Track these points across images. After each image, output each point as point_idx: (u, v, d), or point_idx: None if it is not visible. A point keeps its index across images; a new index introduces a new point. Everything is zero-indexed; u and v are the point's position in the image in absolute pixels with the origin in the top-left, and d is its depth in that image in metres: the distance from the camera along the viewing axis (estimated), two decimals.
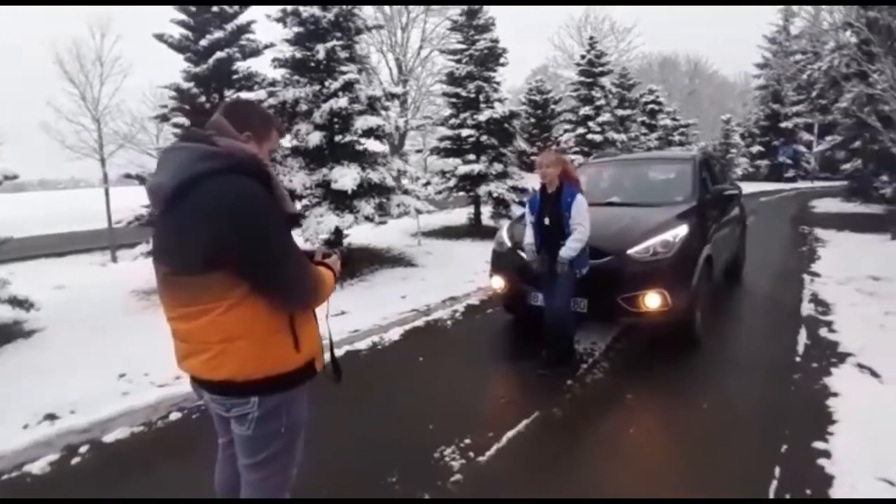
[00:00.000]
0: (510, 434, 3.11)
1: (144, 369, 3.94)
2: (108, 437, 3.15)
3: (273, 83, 7.17)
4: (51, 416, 3.21)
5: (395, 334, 5.15)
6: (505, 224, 5.52)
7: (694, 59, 49.38)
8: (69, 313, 5.19)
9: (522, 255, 4.49)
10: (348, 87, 7.41)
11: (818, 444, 2.94)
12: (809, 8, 15.34)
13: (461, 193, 11.70)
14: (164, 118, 6.09)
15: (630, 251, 4.18)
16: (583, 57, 20.48)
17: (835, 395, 3.55)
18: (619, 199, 5.26)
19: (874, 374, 3.85)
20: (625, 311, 4.15)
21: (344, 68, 7.54)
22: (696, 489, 2.59)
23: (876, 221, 12.00)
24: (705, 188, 5.39)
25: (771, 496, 2.54)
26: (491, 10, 11.94)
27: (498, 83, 11.86)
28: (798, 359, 4.28)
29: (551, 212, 3.96)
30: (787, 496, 2.52)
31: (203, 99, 5.88)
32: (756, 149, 34.45)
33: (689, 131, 29.79)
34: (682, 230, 4.32)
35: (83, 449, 3.05)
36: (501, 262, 4.91)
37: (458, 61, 11.78)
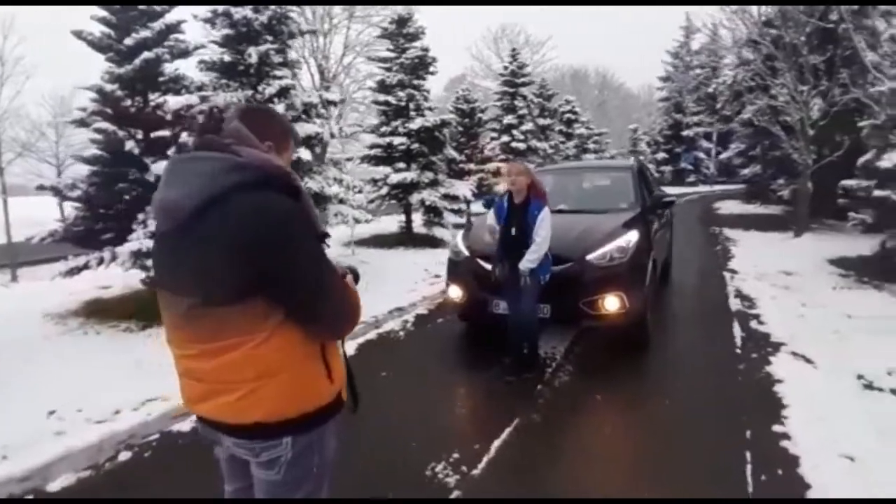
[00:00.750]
0: (496, 444, 3.08)
1: (76, 404, 3.50)
2: (53, 486, 2.76)
3: (201, 87, 6.75)
4: None
5: (349, 348, 4.92)
6: (458, 232, 5.51)
7: (602, 71, 52.38)
8: None
9: (482, 263, 4.50)
10: (284, 93, 7.15)
11: (777, 428, 3.18)
12: (709, 24, 16.77)
13: (393, 202, 11.59)
14: (82, 123, 5.52)
15: (589, 257, 4.31)
16: (505, 68, 21.10)
17: (779, 381, 3.86)
18: (567, 206, 5.34)
19: (807, 360, 4.23)
20: (586, 314, 4.27)
21: (278, 73, 7.27)
22: (683, 479, 2.70)
23: (776, 221, 13.24)
24: (644, 195, 5.67)
25: (749, 477, 2.71)
26: (420, 20, 11.96)
27: (427, 91, 11.89)
28: (738, 350, 4.62)
29: (518, 223, 4.01)
30: (763, 477, 2.69)
31: (128, 102, 5.40)
32: (661, 156, 37.12)
33: (601, 139, 31.52)
34: (633, 236, 4.51)
35: (27, 499, 2.66)
36: (458, 270, 4.87)
37: (389, 69, 11.68)
